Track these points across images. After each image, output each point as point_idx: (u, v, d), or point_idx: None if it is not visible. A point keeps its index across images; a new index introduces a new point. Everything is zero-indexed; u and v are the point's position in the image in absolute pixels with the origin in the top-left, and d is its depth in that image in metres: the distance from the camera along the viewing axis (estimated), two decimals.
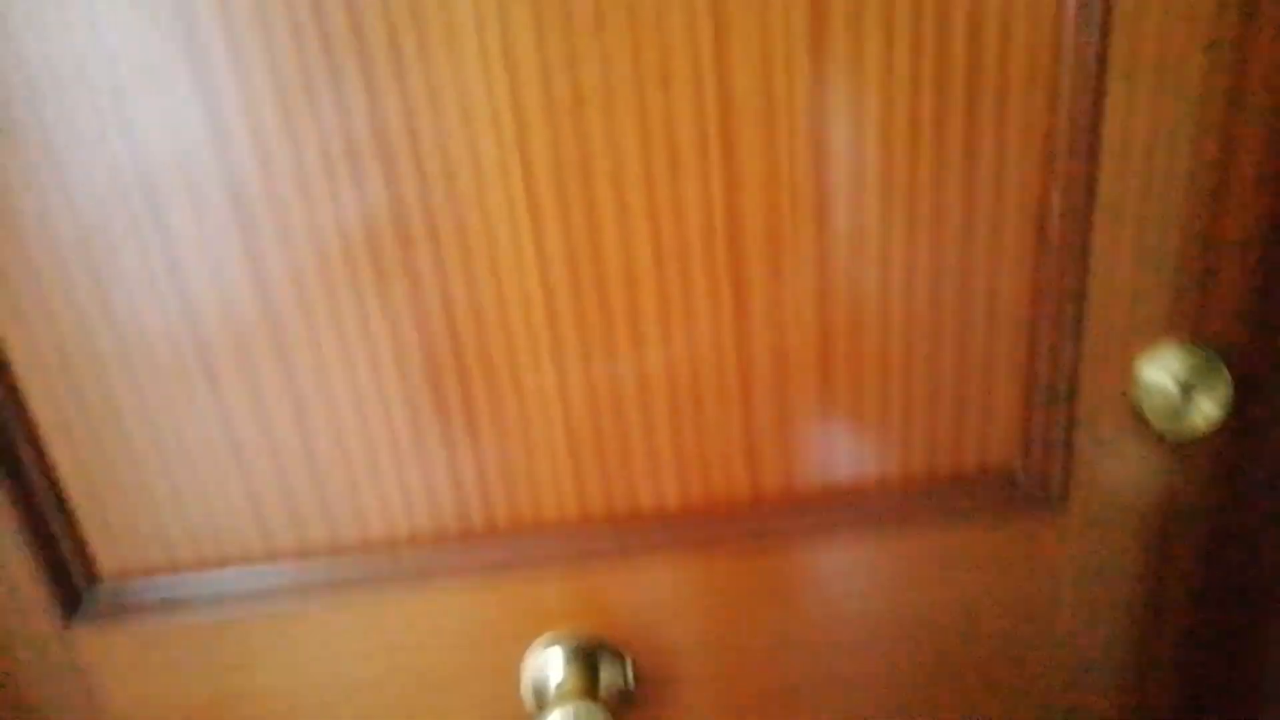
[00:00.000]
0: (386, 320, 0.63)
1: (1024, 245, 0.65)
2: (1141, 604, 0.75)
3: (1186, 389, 0.66)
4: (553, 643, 0.73)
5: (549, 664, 0.73)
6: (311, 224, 0.60)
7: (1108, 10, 0.57)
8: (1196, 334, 0.67)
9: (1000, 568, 0.73)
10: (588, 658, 0.73)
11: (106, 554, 0.69)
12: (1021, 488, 0.71)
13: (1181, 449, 0.70)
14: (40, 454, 0.65)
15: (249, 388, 0.64)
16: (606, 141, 0.59)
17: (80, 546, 0.68)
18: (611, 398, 0.66)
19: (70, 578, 0.68)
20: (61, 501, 0.66)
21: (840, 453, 0.69)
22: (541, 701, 0.73)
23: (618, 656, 0.73)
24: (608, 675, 0.73)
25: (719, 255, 0.63)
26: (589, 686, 0.71)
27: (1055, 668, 0.77)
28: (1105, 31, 0.57)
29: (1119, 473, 0.71)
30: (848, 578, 0.72)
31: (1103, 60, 0.58)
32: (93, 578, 0.69)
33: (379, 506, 0.68)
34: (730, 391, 0.67)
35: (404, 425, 0.66)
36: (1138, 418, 0.68)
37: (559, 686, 0.71)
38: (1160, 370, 0.67)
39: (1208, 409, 0.66)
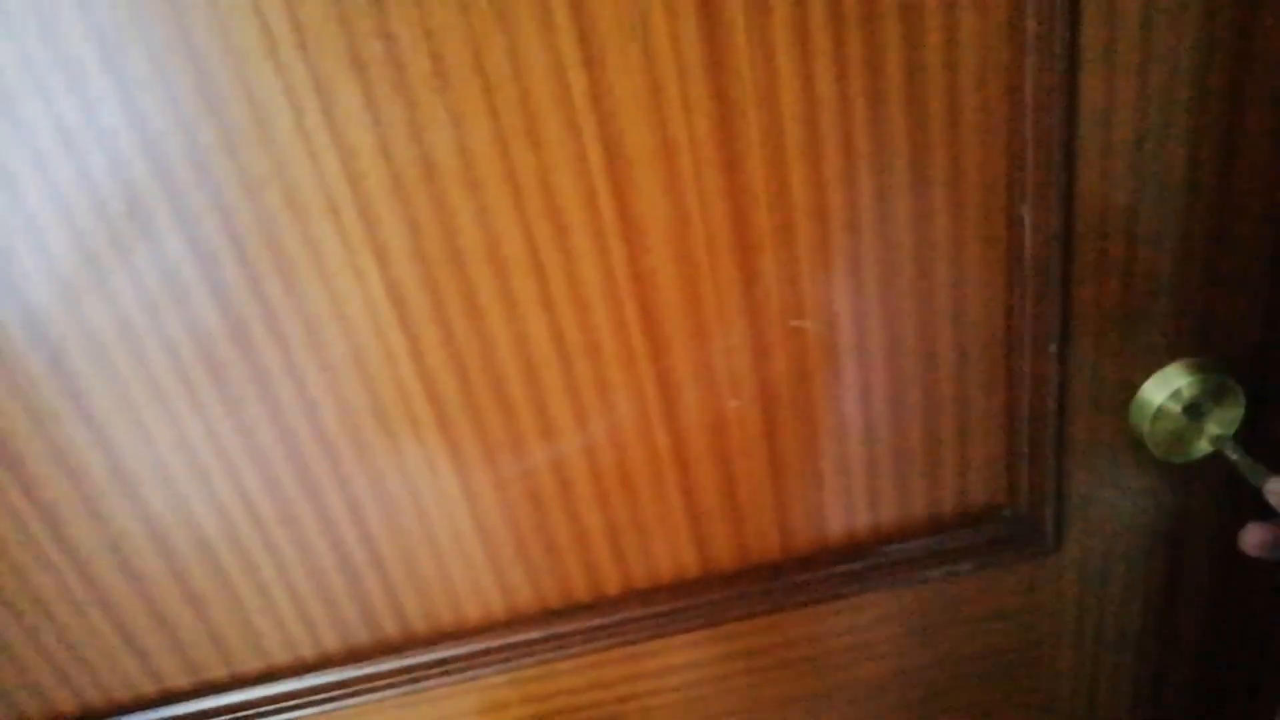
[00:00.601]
0: (238, 431, 0.53)
1: (992, 268, 0.54)
2: (1149, 634, 0.67)
3: (1193, 412, 0.57)
4: None
5: None
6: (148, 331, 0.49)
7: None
8: (1201, 352, 0.57)
9: (994, 614, 0.64)
10: None
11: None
12: (1012, 532, 0.62)
13: (1184, 471, 0.61)
14: None
15: (102, 528, 0.55)
16: (473, 215, 0.48)
17: None
18: (527, 490, 0.57)
19: None
20: None
21: (799, 518, 0.60)
22: None
23: None
24: None
25: (630, 325, 0.52)
26: None
27: (1061, 701, 0.69)
28: (1074, 20, 0.46)
29: (1117, 504, 0.62)
30: (818, 644, 0.64)
31: (1073, 53, 0.47)
32: None
33: (276, 633, 0.59)
34: (663, 470, 0.57)
35: (285, 543, 0.57)
36: (1137, 445, 0.59)
37: None
38: (1163, 393, 0.57)
39: (1216, 430, 0.57)
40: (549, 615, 0.61)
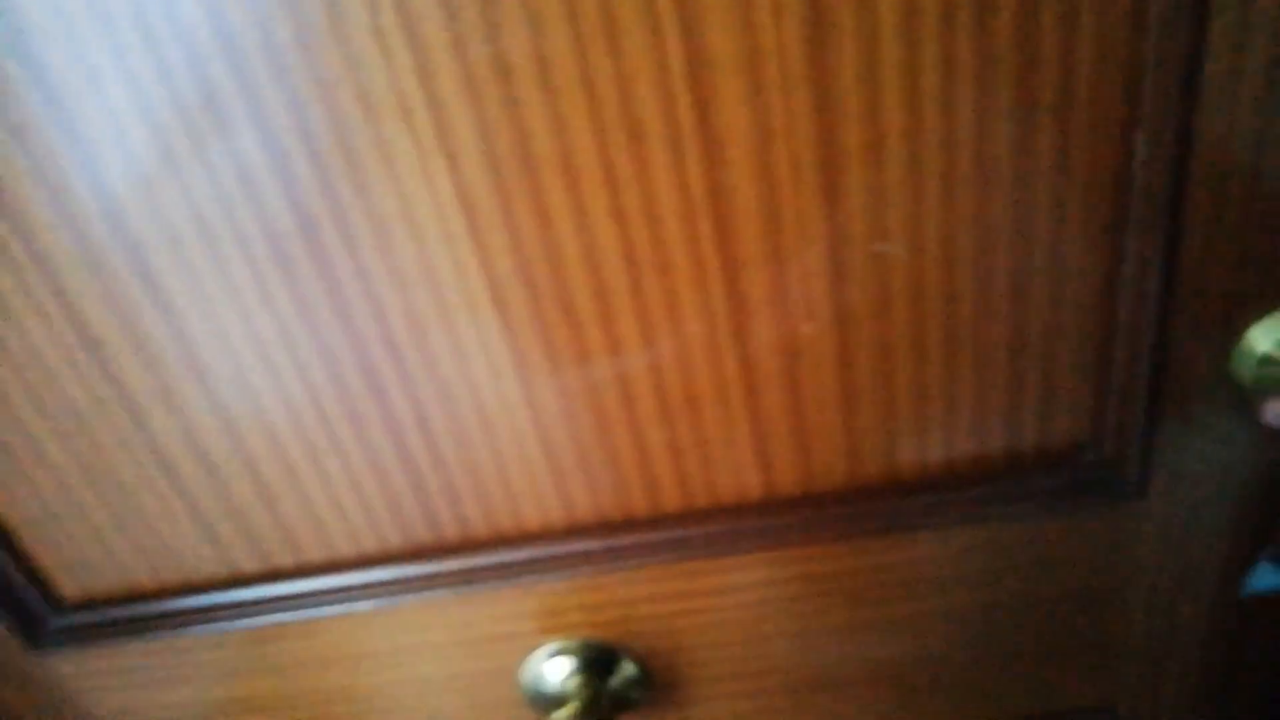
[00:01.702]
0: (308, 330, 0.53)
1: (1098, 197, 0.50)
2: (1227, 602, 0.65)
3: None
4: (556, 652, 0.67)
5: (551, 674, 0.67)
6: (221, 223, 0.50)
7: None
8: None
9: (1067, 558, 0.62)
10: (592, 665, 0.67)
11: (67, 583, 0.64)
12: (1094, 476, 0.59)
13: None
14: None
15: (179, 418, 0.56)
16: (547, 122, 0.46)
17: (36, 576, 0.63)
18: (590, 403, 0.56)
19: (29, 607, 0.64)
20: (8, 536, 0.61)
21: (869, 448, 0.59)
22: (545, 711, 0.68)
23: (625, 661, 0.67)
24: (617, 681, 0.67)
25: (704, 241, 0.50)
26: (595, 696, 0.65)
27: (1126, 657, 0.68)
28: None
29: (1209, 455, 0.58)
30: (883, 574, 0.63)
31: None
32: (56, 606, 0.65)
33: (341, 526, 0.61)
34: (731, 391, 0.56)
35: (351, 441, 0.57)
36: (1237, 395, 0.56)
37: (570, 695, 0.66)
38: (1269, 341, 0.53)
39: None
40: (608, 527, 0.61)
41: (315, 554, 0.62)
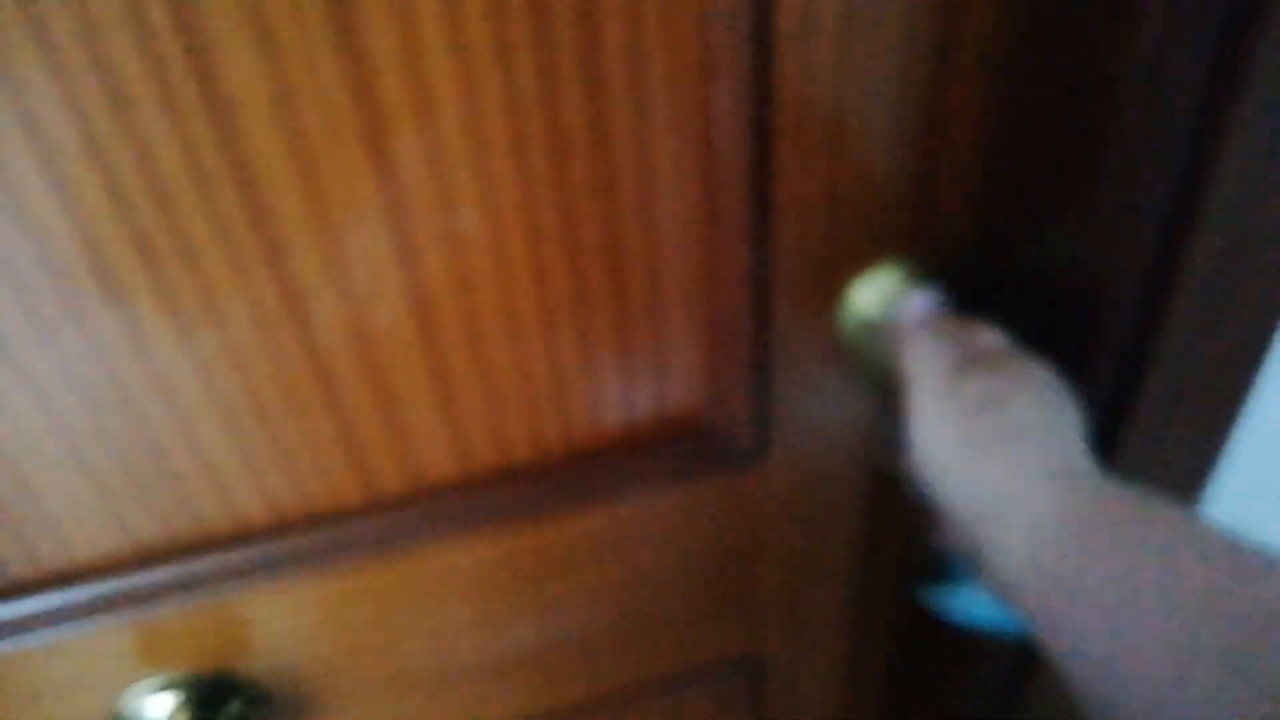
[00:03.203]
0: None
1: (684, 159, 0.47)
2: (850, 547, 0.66)
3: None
4: (158, 688, 0.58)
5: (153, 712, 0.58)
6: None
7: None
8: (910, 254, 0.52)
9: (697, 526, 0.61)
10: (200, 698, 0.58)
11: None
12: (713, 445, 0.58)
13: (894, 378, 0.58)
14: None
15: None
16: None
17: None
18: (130, 417, 0.47)
19: None
20: None
21: (473, 437, 0.53)
22: None
23: (242, 685, 0.59)
24: (234, 709, 0.59)
25: (234, 221, 0.42)
26: None
27: (766, 616, 0.68)
28: None
29: (824, 414, 0.58)
30: (512, 562, 0.59)
31: None
32: None
33: None
34: (305, 389, 0.48)
35: None
36: (846, 350, 0.55)
37: None
38: (870, 296, 0.53)
39: None
40: (180, 551, 0.52)
41: None
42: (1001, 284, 0.54)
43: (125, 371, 0.45)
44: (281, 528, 0.53)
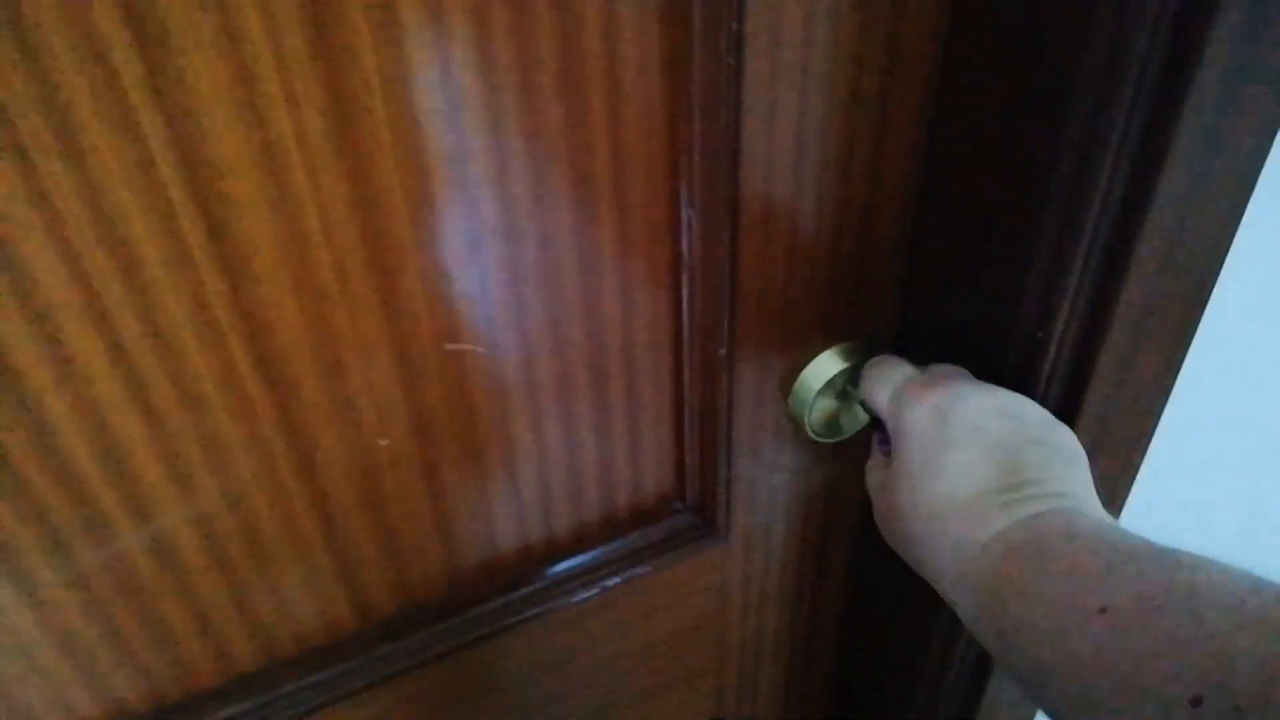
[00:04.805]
0: None
1: (659, 270, 0.50)
2: (802, 599, 0.70)
3: (845, 393, 0.58)
4: None
5: None
6: None
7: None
8: (851, 337, 0.57)
9: (671, 601, 0.63)
10: None
11: None
12: (685, 524, 0.60)
13: (837, 447, 0.63)
14: None
15: None
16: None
17: None
18: (118, 584, 0.44)
19: None
20: None
21: (468, 551, 0.54)
22: None
23: None
24: None
25: (241, 369, 0.41)
26: None
27: (729, 673, 0.71)
28: (740, 11, 0.41)
29: (777, 484, 0.62)
30: (496, 669, 0.59)
31: (740, 44, 0.42)
32: None
33: None
34: (302, 526, 0.47)
35: None
36: (795, 428, 0.59)
37: None
38: (820, 379, 0.57)
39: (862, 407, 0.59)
40: (167, 712, 0.49)
41: None
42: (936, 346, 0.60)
43: (121, 538, 0.43)
44: (275, 668, 0.51)
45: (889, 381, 0.48)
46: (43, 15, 0.31)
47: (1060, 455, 0.43)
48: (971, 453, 0.42)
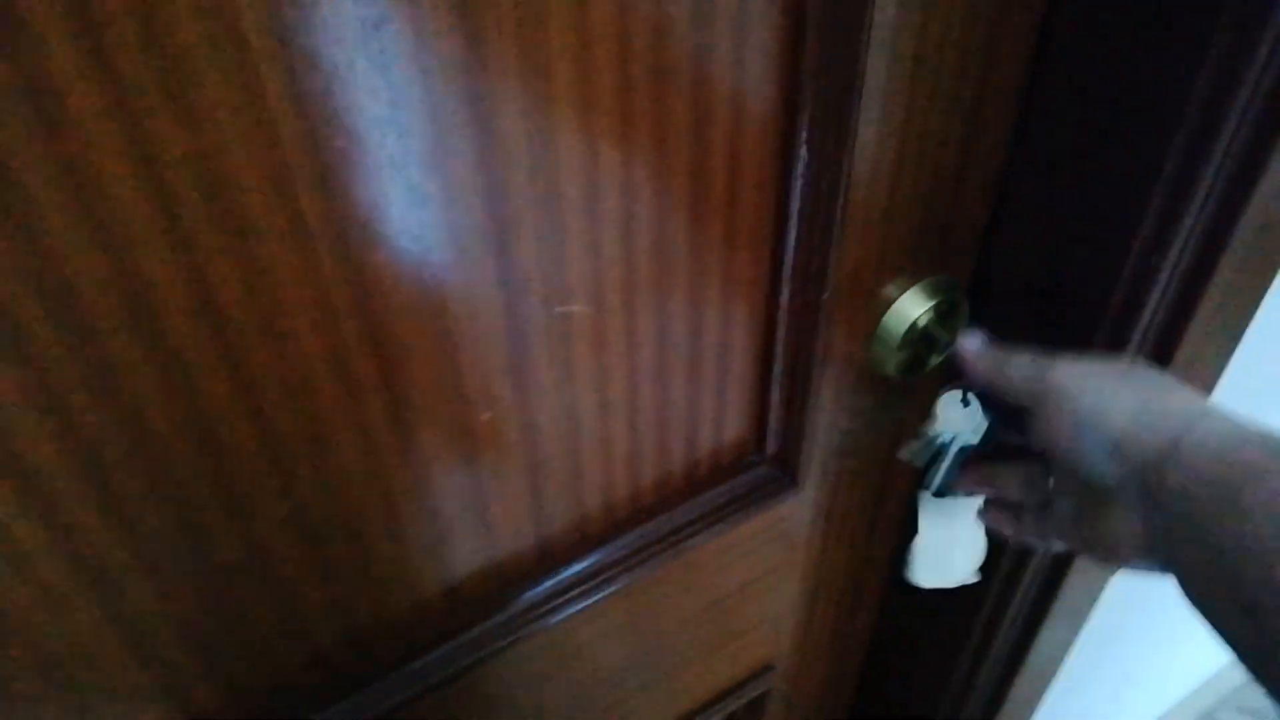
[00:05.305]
0: None
1: (763, 212, 0.47)
2: (857, 540, 0.70)
3: (928, 331, 0.56)
4: None
5: None
6: None
7: None
8: (934, 272, 0.55)
9: (746, 550, 0.62)
10: None
11: None
12: (765, 477, 0.59)
13: (906, 387, 0.61)
14: None
15: None
16: None
17: None
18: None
19: None
20: None
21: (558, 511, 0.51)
22: None
23: None
24: None
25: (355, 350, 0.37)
26: None
27: (785, 626, 0.71)
28: None
29: (851, 430, 0.61)
30: (575, 638, 0.57)
31: None
32: None
33: None
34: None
35: None
36: (872, 369, 0.58)
37: None
38: (903, 317, 0.55)
39: (943, 347, 0.57)
40: None
41: None
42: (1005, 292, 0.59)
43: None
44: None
45: (1027, 360, 0.46)
46: None
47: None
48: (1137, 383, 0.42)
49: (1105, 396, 0.42)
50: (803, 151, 0.45)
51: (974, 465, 0.55)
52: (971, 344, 0.49)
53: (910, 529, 0.60)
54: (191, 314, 0.33)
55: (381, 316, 0.37)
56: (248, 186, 0.31)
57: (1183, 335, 0.52)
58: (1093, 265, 0.52)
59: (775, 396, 0.55)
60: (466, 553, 0.49)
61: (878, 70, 0.42)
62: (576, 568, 0.54)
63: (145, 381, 0.33)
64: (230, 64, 0.29)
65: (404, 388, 0.40)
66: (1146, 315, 0.51)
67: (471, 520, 0.47)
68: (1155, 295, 0.50)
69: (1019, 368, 0.46)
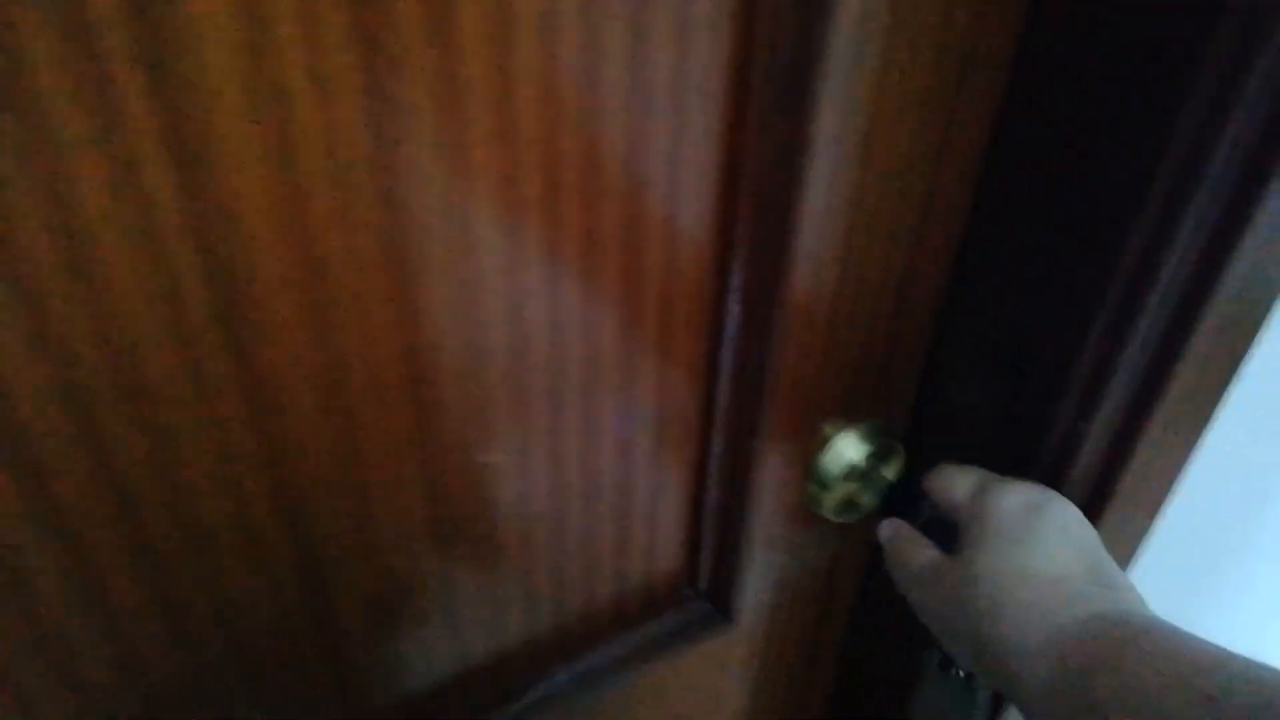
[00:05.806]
0: None
1: (693, 355, 0.47)
2: (796, 671, 0.68)
3: (863, 474, 0.56)
4: None
5: None
6: None
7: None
8: (871, 415, 0.56)
9: (674, 691, 0.60)
10: None
11: None
12: (697, 614, 0.57)
13: (841, 525, 0.61)
14: None
15: None
16: None
17: None
18: None
19: None
20: None
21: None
22: None
23: None
24: None
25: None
26: None
27: None
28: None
29: (787, 566, 0.60)
30: None
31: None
32: None
33: None
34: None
35: None
36: (809, 509, 0.57)
37: None
38: (839, 463, 0.55)
39: (882, 483, 0.57)
40: None
41: None
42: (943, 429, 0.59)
43: None
44: None
45: (969, 476, 0.49)
46: None
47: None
48: (1061, 546, 0.44)
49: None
50: (734, 307, 0.45)
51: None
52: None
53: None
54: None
55: (292, 477, 0.36)
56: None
57: (1113, 493, 0.52)
58: (1027, 424, 0.52)
59: (708, 533, 0.54)
60: (381, 702, 0.47)
61: (813, 233, 0.43)
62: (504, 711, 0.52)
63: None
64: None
65: (316, 546, 0.39)
66: (1077, 471, 0.51)
67: (383, 670, 0.46)
68: (1084, 453, 0.50)
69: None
